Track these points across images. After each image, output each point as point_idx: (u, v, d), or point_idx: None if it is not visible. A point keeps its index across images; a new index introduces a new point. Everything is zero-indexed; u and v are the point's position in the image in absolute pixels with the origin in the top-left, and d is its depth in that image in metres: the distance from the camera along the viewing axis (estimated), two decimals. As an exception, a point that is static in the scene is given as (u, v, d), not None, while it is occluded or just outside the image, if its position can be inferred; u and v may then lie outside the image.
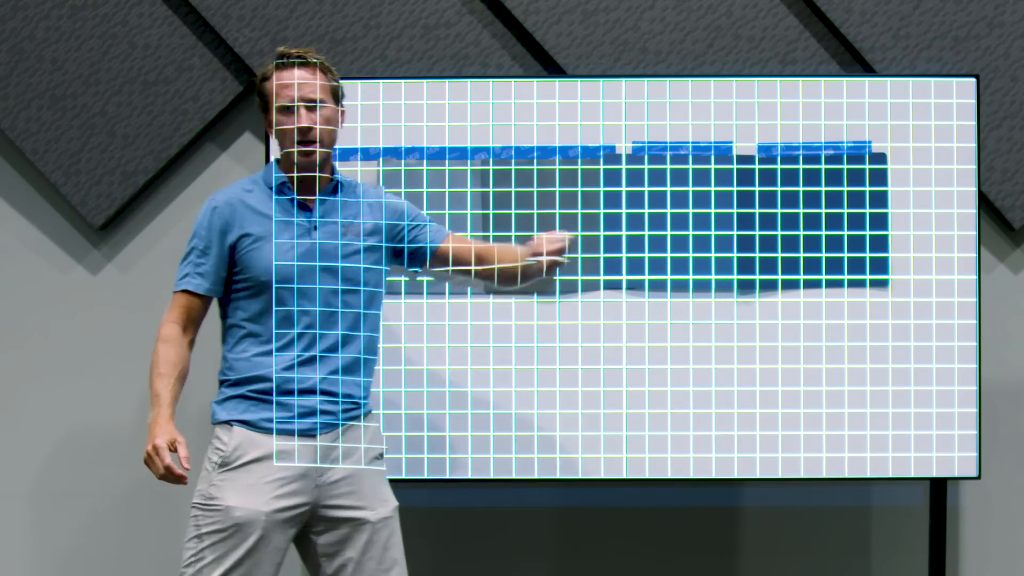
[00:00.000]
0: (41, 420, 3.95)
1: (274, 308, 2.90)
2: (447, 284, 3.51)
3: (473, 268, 3.03)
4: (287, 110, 2.93)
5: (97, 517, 3.93)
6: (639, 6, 3.82)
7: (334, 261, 2.94)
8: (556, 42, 3.83)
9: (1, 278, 3.96)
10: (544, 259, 2.91)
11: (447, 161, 3.54)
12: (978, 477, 3.56)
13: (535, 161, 3.54)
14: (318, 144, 2.92)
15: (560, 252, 2.93)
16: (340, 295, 2.94)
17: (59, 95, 3.85)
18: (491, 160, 3.54)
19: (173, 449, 2.82)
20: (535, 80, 3.56)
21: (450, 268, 3.06)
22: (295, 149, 2.91)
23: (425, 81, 3.55)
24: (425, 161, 3.54)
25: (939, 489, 3.63)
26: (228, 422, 2.91)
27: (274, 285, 2.92)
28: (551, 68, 3.85)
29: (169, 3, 3.87)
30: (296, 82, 2.91)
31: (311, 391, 2.91)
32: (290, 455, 2.88)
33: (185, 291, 2.95)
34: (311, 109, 2.93)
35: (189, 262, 2.96)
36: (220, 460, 2.88)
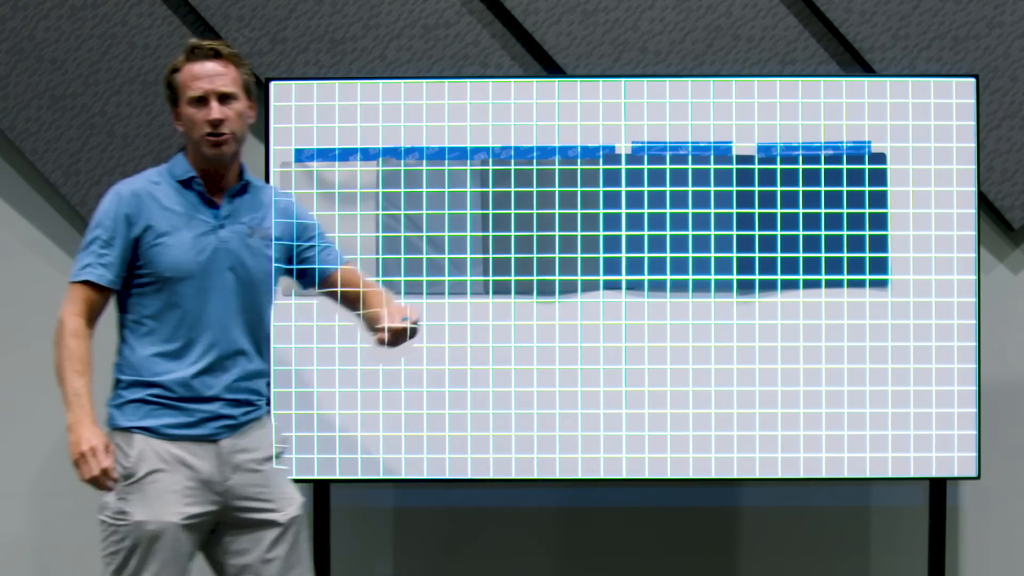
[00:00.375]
0: (41, 420, 3.95)
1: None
2: (447, 284, 3.51)
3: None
4: (199, 101, 2.87)
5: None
6: (639, 6, 3.82)
7: (238, 261, 2.90)
8: (556, 42, 3.83)
9: (1, 278, 3.96)
10: (392, 325, 2.88)
11: (447, 161, 3.54)
12: (977, 477, 3.56)
13: (535, 161, 3.54)
14: (231, 136, 2.88)
15: (402, 329, 2.90)
16: (242, 296, 2.91)
17: (59, 95, 3.85)
18: (491, 160, 3.54)
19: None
20: (535, 80, 3.56)
21: (338, 300, 3.08)
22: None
23: (425, 81, 3.55)
24: (425, 161, 3.54)
25: (938, 489, 3.62)
26: (129, 429, 2.84)
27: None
28: (551, 68, 3.85)
29: (169, 3, 3.87)
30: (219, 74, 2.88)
31: (214, 397, 2.87)
32: (195, 462, 2.84)
33: (86, 282, 2.83)
34: (223, 101, 2.87)
35: (91, 252, 2.84)
36: (124, 472, 2.80)
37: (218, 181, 2.92)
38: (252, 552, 2.91)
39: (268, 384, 3.03)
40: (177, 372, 2.84)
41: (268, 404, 3.04)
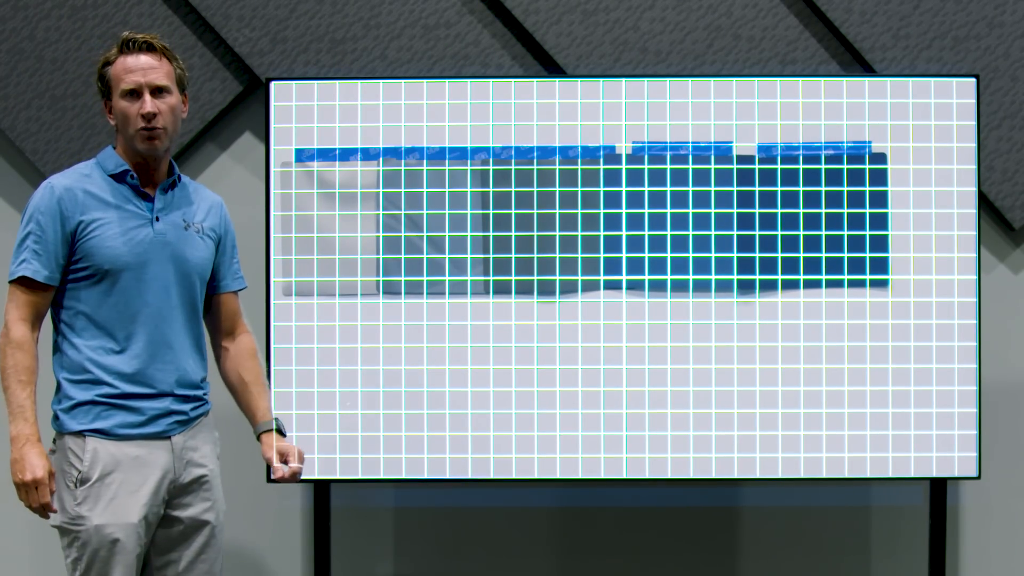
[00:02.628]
0: (41, 420, 3.94)
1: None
2: (447, 284, 3.51)
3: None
4: (132, 94, 2.83)
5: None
6: (639, 6, 3.82)
7: (175, 253, 2.87)
8: (556, 42, 3.83)
9: (1, 278, 3.95)
10: (287, 474, 2.97)
11: (447, 161, 3.54)
12: (978, 477, 3.56)
13: (535, 161, 3.54)
14: (164, 131, 2.85)
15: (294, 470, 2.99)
16: (179, 288, 2.88)
17: (59, 95, 3.85)
18: (491, 160, 3.54)
19: None
20: (535, 80, 3.56)
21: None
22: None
23: (425, 81, 3.55)
24: (425, 161, 3.54)
25: (939, 489, 3.63)
26: (81, 433, 2.79)
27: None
28: (551, 68, 3.85)
29: (169, 3, 3.87)
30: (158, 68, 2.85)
31: (163, 393, 2.85)
32: (150, 460, 2.82)
33: (25, 279, 2.78)
34: (156, 95, 2.84)
35: (26, 248, 2.79)
36: (79, 477, 2.77)
37: (151, 174, 2.88)
38: (179, 549, 2.89)
39: (206, 380, 2.99)
40: (121, 366, 2.80)
41: (210, 403, 3.02)
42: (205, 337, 3.00)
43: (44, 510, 2.74)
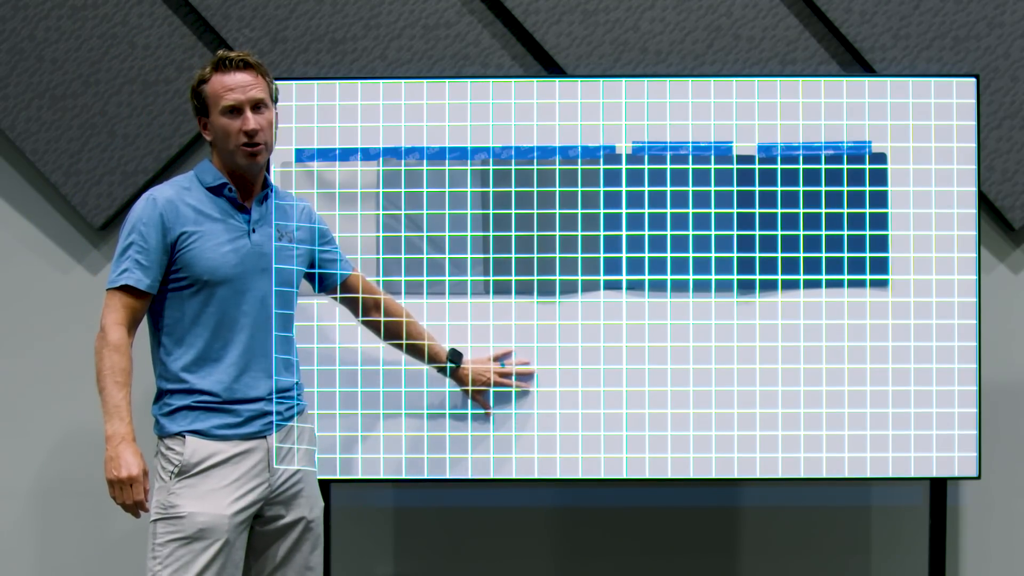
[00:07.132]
0: (41, 420, 3.95)
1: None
2: (447, 284, 3.51)
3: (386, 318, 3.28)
4: (232, 111, 2.92)
5: (98, 518, 3.92)
6: (639, 6, 3.82)
7: (271, 264, 2.96)
8: (556, 42, 3.83)
9: (1, 278, 3.96)
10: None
11: (447, 161, 3.54)
12: (978, 477, 3.56)
13: (535, 161, 3.54)
14: (264, 146, 2.96)
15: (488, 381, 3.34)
16: (274, 298, 2.96)
17: (59, 95, 3.85)
18: (491, 160, 3.54)
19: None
20: (535, 80, 3.56)
21: (360, 316, 3.28)
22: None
23: (425, 81, 3.55)
24: (425, 161, 3.54)
25: (939, 489, 3.63)
26: (180, 433, 2.89)
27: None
28: (551, 68, 3.85)
29: (169, 3, 3.87)
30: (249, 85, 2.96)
31: (257, 398, 2.94)
32: (245, 458, 2.90)
33: (126, 287, 2.87)
34: (255, 110, 2.94)
35: (128, 258, 2.88)
36: (176, 469, 2.86)
37: (248, 187, 2.98)
38: (275, 546, 2.98)
39: (300, 383, 3.09)
40: (216, 375, 2.90)
41: (304, 402, 3.12)
42: (296, 345, 3.09)
43: (136, 507, 2.82)
